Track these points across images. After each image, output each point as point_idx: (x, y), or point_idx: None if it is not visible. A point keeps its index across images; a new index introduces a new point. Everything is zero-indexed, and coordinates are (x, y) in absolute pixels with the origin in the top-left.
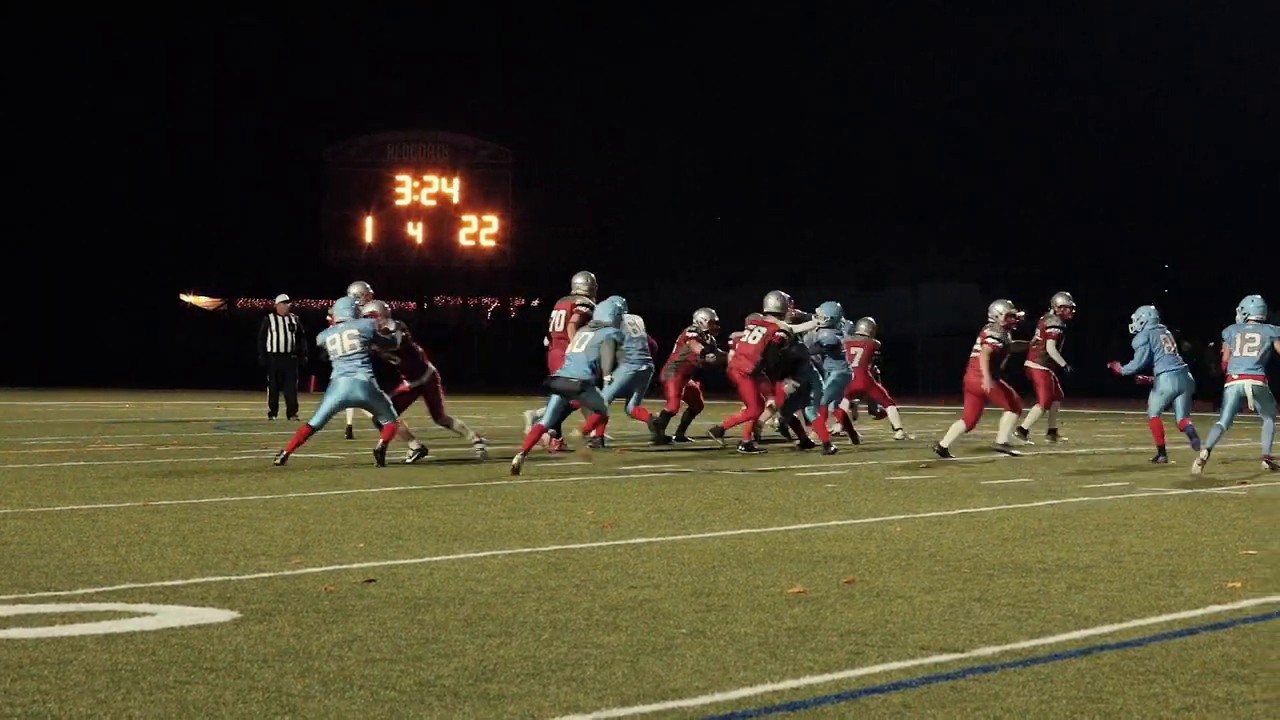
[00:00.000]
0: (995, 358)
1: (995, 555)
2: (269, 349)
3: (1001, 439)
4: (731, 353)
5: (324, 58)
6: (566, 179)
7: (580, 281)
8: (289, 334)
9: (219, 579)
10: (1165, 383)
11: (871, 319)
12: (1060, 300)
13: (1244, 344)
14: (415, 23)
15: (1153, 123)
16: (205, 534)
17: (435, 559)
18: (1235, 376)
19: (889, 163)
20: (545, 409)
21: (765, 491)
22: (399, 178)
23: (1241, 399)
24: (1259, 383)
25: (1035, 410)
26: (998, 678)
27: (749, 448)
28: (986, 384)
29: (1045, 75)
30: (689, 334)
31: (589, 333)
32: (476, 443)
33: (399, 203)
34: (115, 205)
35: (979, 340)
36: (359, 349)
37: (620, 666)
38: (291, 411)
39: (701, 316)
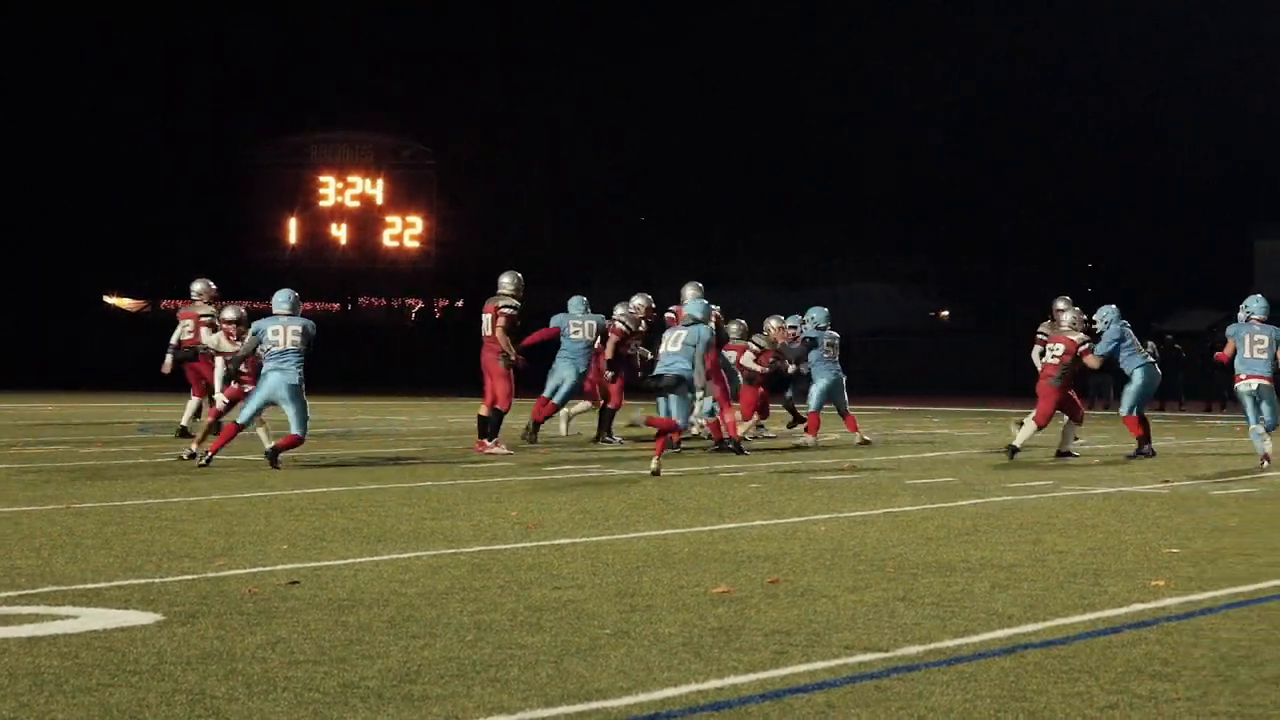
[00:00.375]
0: (1076, 360)
1: (919, 554)
2: None
3: (1017, 441)
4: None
5: (246, 56)
6: (491, 179)
7: (507, 281)
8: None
9: (142, 581)
10: (1140, 376)
11: (743, 321)
12: (1060, 305)
13: (1253, 345)
14: (338, 22)
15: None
16: (128, 536)
17: (359, 560)
18: (1244, 376)
19: (809, 164)
20: (661, 410)
21: (689, 492)
22: (322, 178)
23: (1253, 396)
24: (1266, 383)
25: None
26: (922, 677)
27: (737, 448)
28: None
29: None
30: (617, 323)
31: (681, 330)
32: (208, 454)
33: (322, 203)
34: (36, 206)
35: (1052, 344)
36: (299, 346)
37: (544, 667)
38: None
39: (638, 302)
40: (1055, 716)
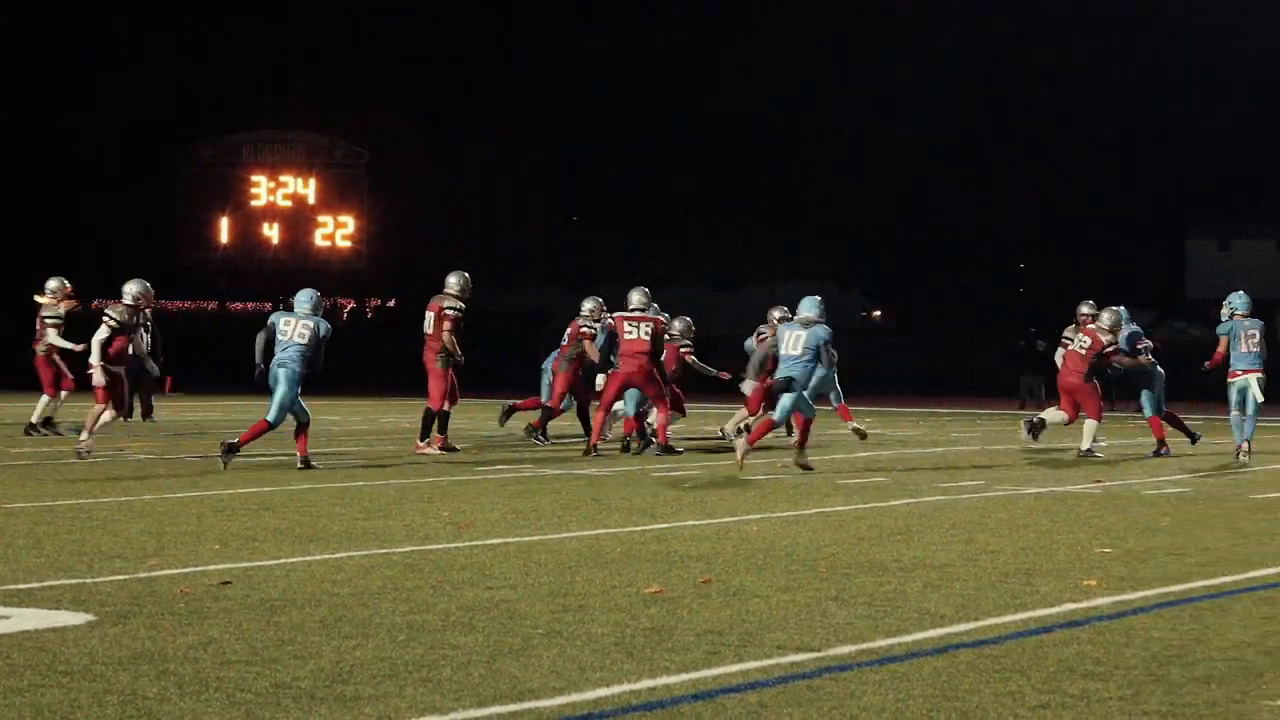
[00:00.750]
0: (1100, 358)
1: (852, 554)
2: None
3: (1085, 445)
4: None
5: (179, 56)
6: (423, 179)
7: (453, 281)
8: (144, 336)
9: (73, 582)
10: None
11: (688, 319)
12: (1084, 310)
13: (1247, 340)
14: (269, 21)
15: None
16: (60, 536)
17: (291, 560)
18: (1240, 371)
19: (744, 163)
20: (776, 407)
21: (622, 492)
22: (254, 178)
23: (1244, 390)
24: (1261, 376)
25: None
26: (854, 677)
27: (667, 449)
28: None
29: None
30: (581, 326)
31: (800, 331)
32: (84, 445)
33: (254, 203)
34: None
35: (1080, 336)
36: (307, 342)
37: (477, 667)
38: (146, 413)
39: (590, 306)
40: (987, 716)
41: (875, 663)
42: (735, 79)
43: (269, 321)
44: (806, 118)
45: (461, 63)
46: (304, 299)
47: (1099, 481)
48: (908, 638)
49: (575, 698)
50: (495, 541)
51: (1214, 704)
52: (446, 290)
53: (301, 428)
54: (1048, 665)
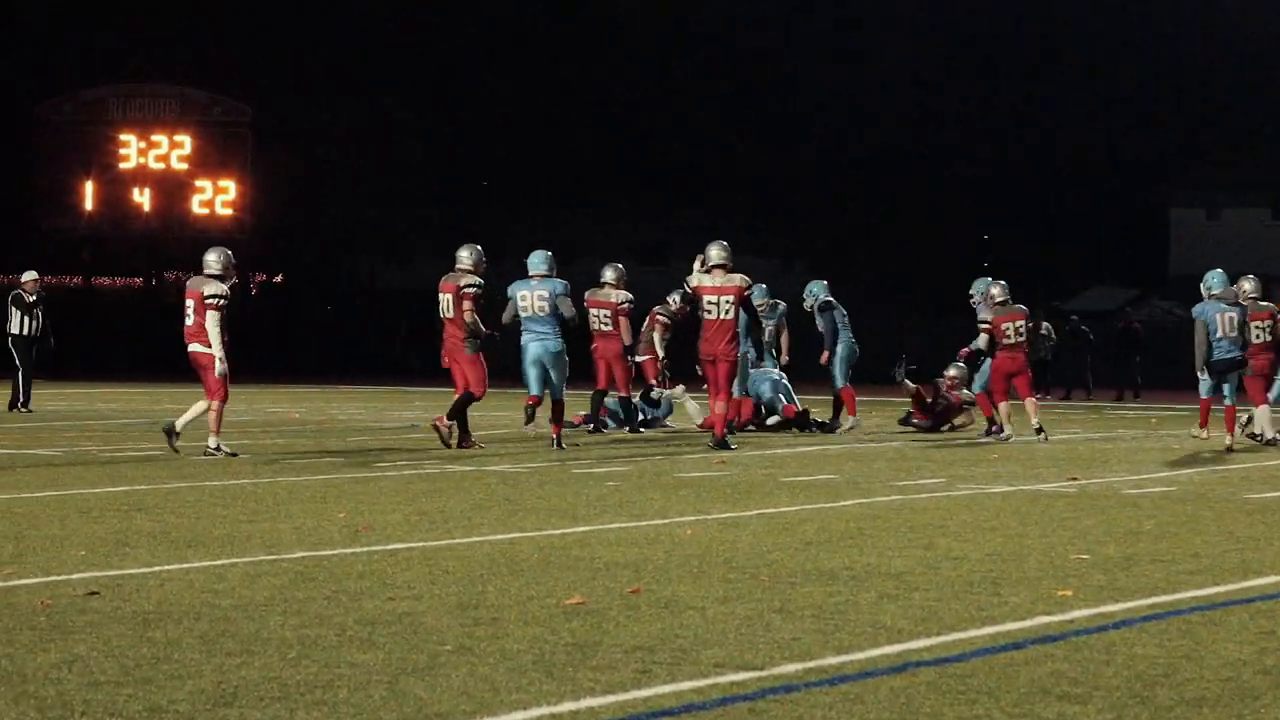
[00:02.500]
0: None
1: (797, 561)
2: (19, 331)
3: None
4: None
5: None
6: (313, 140)
7: (465, 255)
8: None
9: None
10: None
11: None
12: (1247, 286)
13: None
14: None
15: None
16: None
17: (167, 568)
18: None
19: (673, 136)
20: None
21: (539, 491)
22: (123, 137)
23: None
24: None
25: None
26: (801, 698)
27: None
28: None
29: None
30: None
31: (1232, 311)
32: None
33: (123, 165)
34: None
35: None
36: (550, 311)
37: (378, 688)
38: (22, 402)
39: (611, 276)
40: None
41: (825, 682)
42: (645, 46)
43: (509, 293)
44: (732, 86)
45: (361, 11)
46: (540, 263)
47: (1074, 479)
48: (861, 654)
49: None
50: (397, 547)
51: None
52: (459, 266)
53: (556, 405)
54: (1018, 686)
